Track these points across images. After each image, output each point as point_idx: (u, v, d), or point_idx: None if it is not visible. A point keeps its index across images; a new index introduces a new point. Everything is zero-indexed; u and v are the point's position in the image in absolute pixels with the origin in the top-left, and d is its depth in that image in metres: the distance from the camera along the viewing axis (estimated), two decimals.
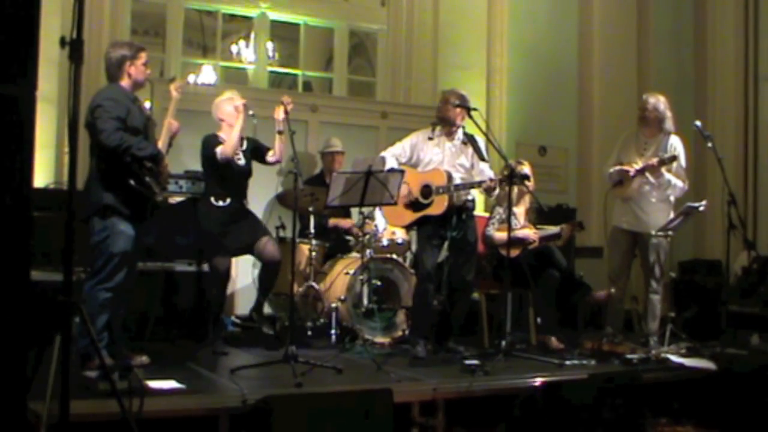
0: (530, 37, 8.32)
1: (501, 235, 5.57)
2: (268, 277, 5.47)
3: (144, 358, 4.50)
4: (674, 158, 5.61)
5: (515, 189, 5.60)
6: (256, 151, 5.57)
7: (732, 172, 7.72)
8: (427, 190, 5.27)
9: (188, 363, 4.64)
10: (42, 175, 5.78)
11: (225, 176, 5.36)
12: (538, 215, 5.96)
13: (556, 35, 8.49)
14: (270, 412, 3.40)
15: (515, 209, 5.79)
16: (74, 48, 2.88)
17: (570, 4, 8.64)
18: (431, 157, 5.37)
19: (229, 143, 5.30)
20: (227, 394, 3.80)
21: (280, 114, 5.27)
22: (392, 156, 5.34)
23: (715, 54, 8.78)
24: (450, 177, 5.25)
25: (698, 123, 5.89)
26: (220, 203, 5.34)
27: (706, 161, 7.93)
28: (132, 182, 4.24)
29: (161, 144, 4.55)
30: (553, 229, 5.88)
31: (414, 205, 5.31)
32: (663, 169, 5.61)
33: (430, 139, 5.38)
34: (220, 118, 5.48)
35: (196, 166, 5.59)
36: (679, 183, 5.68)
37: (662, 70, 8.80)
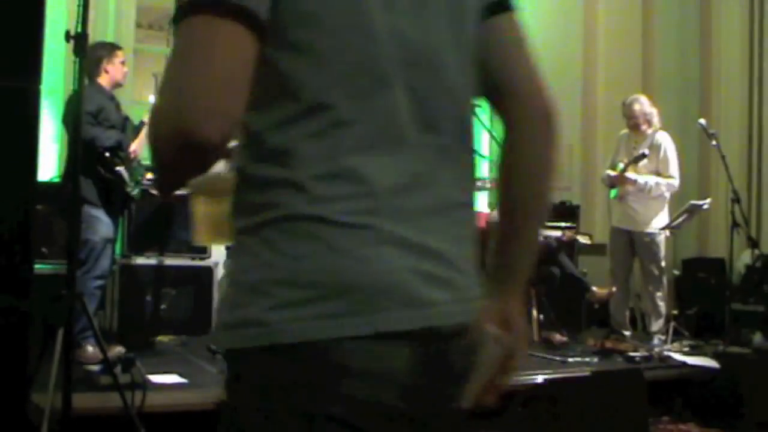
0: (534, 34, 8.20)
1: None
2: None
3: (119, 349, 4.50)
4: (643, 156, 5.63)
5: None
6: None
7: (736, 170, 7.67)
8: None
9: (190, 357, 4.64)
10: (47, 169, 5.79)
11: None
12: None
13: (560, 33, 8.45)
14: None
15: None
16: (79, 42, 2.89)
17: (575, 2, 8.61)
18: None
19: None
20: None
21: None
22: None
23: (720, 52, 8.73)
24: None
25: (702, 121, 5.88)
26: None
27: (710, 159, 7.91)
28: (101, 169, 4.38)
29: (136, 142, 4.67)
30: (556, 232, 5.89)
31: None
32: (636, 171, 5.64)
33: None
34: None
35: None
36: (662, 180, 5.70)
37: (667, 68, 8.76)
